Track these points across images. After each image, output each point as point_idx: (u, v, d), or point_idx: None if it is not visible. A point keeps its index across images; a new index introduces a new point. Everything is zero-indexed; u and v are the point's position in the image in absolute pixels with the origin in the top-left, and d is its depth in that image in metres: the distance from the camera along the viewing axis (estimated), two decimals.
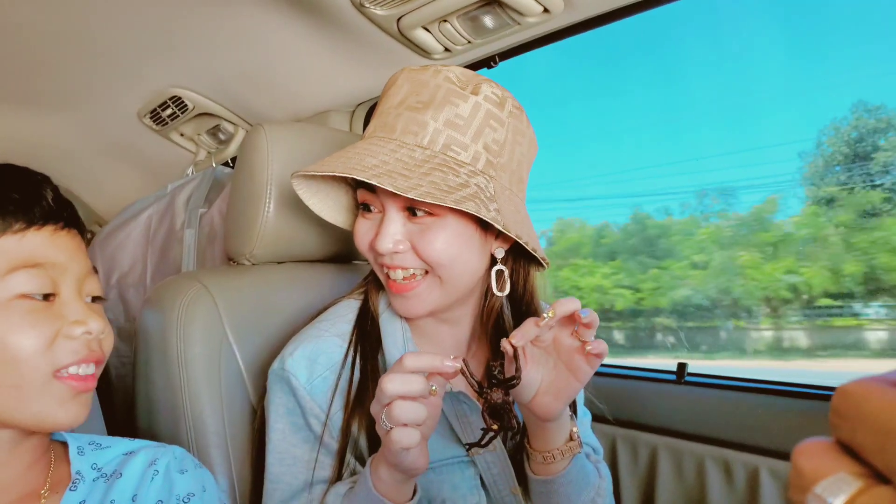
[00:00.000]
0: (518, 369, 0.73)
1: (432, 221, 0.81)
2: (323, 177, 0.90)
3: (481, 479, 0.91)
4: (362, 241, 0.86)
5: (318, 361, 0.87)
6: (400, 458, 0.70)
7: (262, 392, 1.00)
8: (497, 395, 0.73)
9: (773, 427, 1.18)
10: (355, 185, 0.88)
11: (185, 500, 0.76)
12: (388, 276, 0.85)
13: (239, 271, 1.09)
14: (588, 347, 0.74)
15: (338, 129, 1.45)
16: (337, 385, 0.86)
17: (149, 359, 1.00)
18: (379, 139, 0.82)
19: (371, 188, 0.83)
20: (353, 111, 1.58)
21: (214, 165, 1.81)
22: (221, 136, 1.82)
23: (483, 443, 0.74)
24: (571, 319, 0.74)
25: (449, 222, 0.81)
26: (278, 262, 1.13)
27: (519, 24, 1.14)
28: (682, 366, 1.37)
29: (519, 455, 0.92)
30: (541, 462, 0.85)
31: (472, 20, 1.16)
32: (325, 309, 0.95)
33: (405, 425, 0.68)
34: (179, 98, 1.65)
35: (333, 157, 0.82)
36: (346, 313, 0.93)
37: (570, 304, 0.71)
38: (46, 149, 1.90)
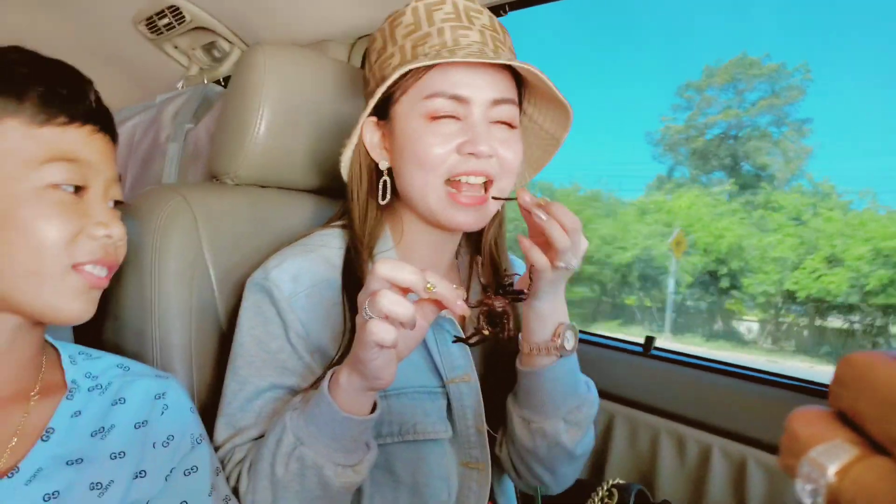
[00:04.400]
0: (530, 285, 0.77)
1: (513, 132, 0.86)
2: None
3: (449, 413, 0.91)
4: (436, 148, 0.82)
5: (302, 277, 0.86)
6: (369, 355, 0.65)
7: (231, 311, 0.99)
8: (499, 303, 0.73)
9: (728, 408, 1.20)
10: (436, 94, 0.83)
11: (198, 441, 0.78)
12: (457, 190, 0.84)
13: (221, 189, 1.07)
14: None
15: (337, 59, 1.41)
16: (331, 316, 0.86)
17: (121, 267, 0.99)
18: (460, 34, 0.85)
19: (458, 97, 0.82)
20: (354, 44, 1.54)
21: (206, 82, 1.76)
22: (216, 54, 1.77)
23: (471, 341, 0.74)
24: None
25: (520, 133, 0.88)
26: (262, 186, 1.12)
27: None
28: (649, 339, 1.39)
29: (494, 395, 0.93)
30: (530, 354, 0.87)
31: None
32: (304, 236, 0.94)
33: (386, 318, 0.64)
34: (177, 8, 1.59)
35: (466, 49, 0.83)
36: (331, 241, 0.92)
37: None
38: (32, 44, 1.83)
